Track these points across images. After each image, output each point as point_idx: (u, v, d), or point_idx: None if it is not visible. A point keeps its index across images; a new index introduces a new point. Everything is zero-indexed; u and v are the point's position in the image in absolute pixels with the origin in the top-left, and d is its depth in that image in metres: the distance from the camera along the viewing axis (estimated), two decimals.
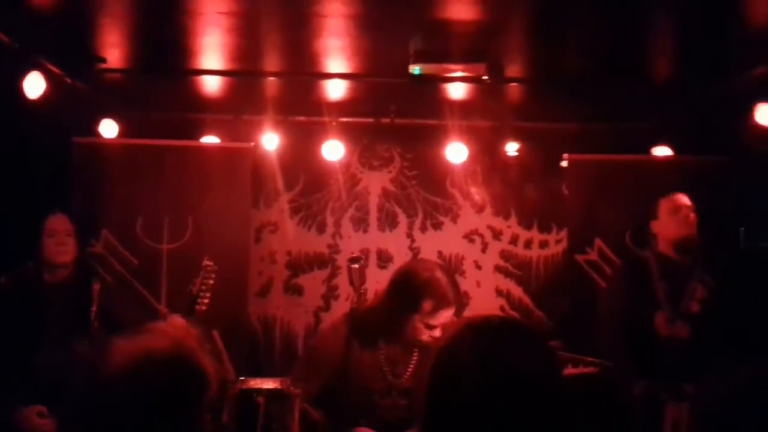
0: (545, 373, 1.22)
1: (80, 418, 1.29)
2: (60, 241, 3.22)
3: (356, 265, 2.53)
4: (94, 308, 3.23)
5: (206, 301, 3.04)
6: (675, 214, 3.36)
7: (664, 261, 3.35)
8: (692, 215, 3.36)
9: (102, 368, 1.29)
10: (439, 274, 2.57)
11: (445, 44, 3.33)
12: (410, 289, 2.57)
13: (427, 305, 2.52)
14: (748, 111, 3.63)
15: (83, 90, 4.04)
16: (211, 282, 3.05)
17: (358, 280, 2.55)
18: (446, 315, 2.52)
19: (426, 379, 1.26)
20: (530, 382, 1.19)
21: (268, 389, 2.24)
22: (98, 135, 4.38)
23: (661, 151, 4.54)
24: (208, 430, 1.31)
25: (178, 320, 2.95)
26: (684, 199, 3.41)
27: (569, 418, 1.21)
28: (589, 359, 3.07)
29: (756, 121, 3.61)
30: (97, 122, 4.37)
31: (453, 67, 3.38)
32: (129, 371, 1.27)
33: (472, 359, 1.20)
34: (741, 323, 3.24)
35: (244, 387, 2.26)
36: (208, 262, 3.10)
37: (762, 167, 4.04)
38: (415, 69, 3.37)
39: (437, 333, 2.51)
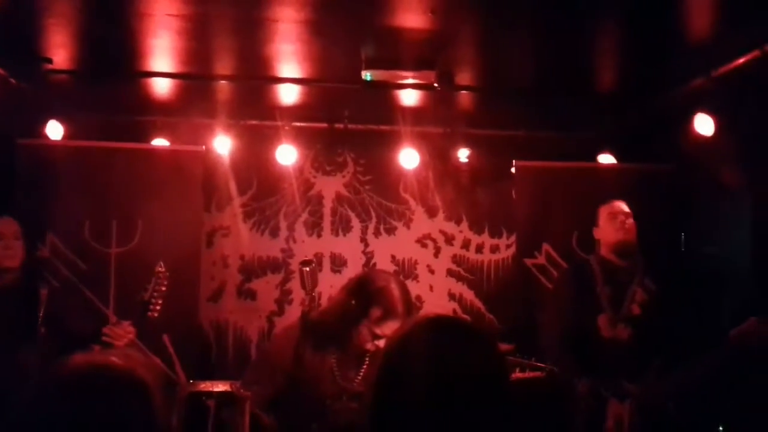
0: (492, 373, 1.24)
1: (24, 428, 1.26)
2: (7, 244, 3.15)
3: (308, 268, 2.54)
4: (41, 314, 3.16)
5: (158, 307, 3.02)
6: (613, 220, 3.48)
7: (607, 266, 3.47)
8: (629, 221, 3.48)
9: (49, 380, 1.27)
10: (393, 285, 2.61)
11: (396, 52, 3.39)
12: (363, 295, 2.60)
13: (375, 312, 2.55)
14: (688, 120, 3.77)
15: (28, 91, 3.95)
16: (164, 288, 3.03)
17: (310, 284, 2.56)
18: (392, 326, 2.54)
19: (375, 374, 1.27)
20: (477, 380, 1.21)
21: (218, 392, 2.23)
22: (44, 137, 4.29)
23: (606, 158, 4.68)
24: None
25: (126, 329, 2.91)
26: (621, 206, 3.53)
27: (515, 417, 1.23)
28: (536, 364, 3.15)
29: (695, 130, 3.76)
30: (42, 124, 4.28)
31: (404, 74, 3.44)
32: (78, 383, 1.25)
33: (421, 355, 1.23)
34: (680, 325, 3.37)
35: (194, 390, 2.25)
36: (160, 269, 3.07)
37: (702, 174, 4.20)
38: (366, 75, 3.41)
39: (382, 344, 2.54)
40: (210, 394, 2.21)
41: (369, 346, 2.60)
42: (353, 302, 2.61)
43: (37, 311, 3.17)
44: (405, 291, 2.64)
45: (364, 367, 2.67)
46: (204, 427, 2.18)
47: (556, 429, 3.17)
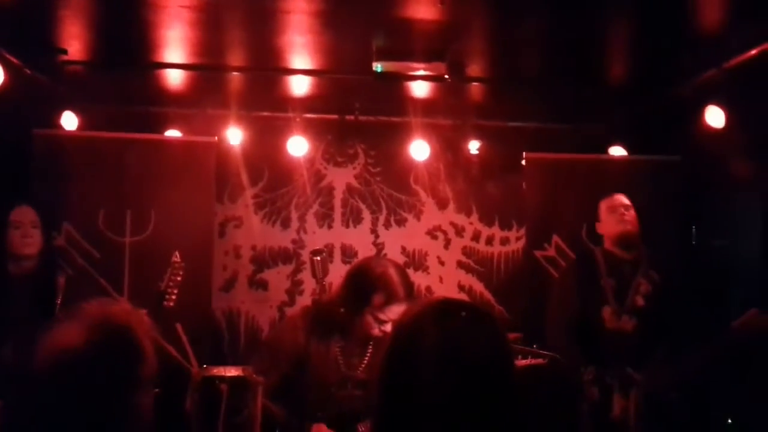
0: (498, 355, 1.25)
1: (15, 411, 1.35)
2: (25, 232, 3.18)
3: (318, 258, 2.58)
4: (59, 301, 3.20)
5: (174, 296, 3.06)
6: (613, 213, 3.50)
7: (611, 258, 3.48)
8: (630, 213, 3.48)
9: (29, 364, 1.33)
10: (391, 270, 2.62)
11: (407, 43, 3.40)
12: (363, 284, 2.61)
13: (377, 299, 2.57)
14: (699, 112, 3.76)
15: (43, 82, 4.00)
16: (179, 278, 3.07)
17: (320, 273, 2.60)
18: (396, 311, 2.55)
19: (382, 357, 1.29)
20: (484, 362, 1.22)
21: (230, 377, 2.27)
22: (59, 127, 4.34)
23: (616, 150, 4.68)
24: (147, 406, 1.35)
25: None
26: (621, 199, 3.54)
27: (519, 401, 1.25)
28: (538, 351, 3.18)
29: (706, 122, 3.75)
30: (57, 114, 4.33)
31: (414, 65, 3.46)
32: (49, 368, 1.31)
33: (428, 338, 1.24)
34: (684, 317, 3.39)
35: (206, 374, 2.29)
36: (176, 259, 3.10)
37: (712, 167, 4.19)
38: (377, 66, 3.43)
39: (388, 328, 2.56)
40: (223, 379, 2.25)
41: (375, 331, 2.62)
42: (354, 291, 2.63)
43: (54, 298, 3.23)
44: (404, 275, 2.66)
45: (368, 354, 2.70)
46: (217, 411, 2.23)
47: (561, 417, 3.20)
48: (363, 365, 2.68)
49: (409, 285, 2.64)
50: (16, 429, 1.32)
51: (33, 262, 3.22)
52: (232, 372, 2.25)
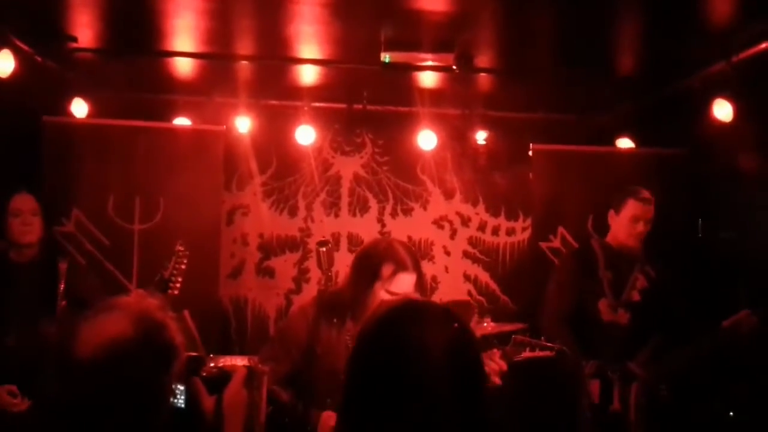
0: (462, 356, 1.23)
1: (51, 401, 1.35)
2: (25, 220, 3.20)
3: (324, 249, 2.60)
4: (61, 287, 3.24)
5: (178, 285, 3.08)
6: (633, 222, 3.44)
7: (610, 251, 3.49)
8: (647, 227, 3.46)
9: (70, 353, 1.33)
10: (396, 244, 2.67)
11: (415, 34, 3.41)
12: (370, 259, 2.63)
13: (386, 270, 2.58)
14: (707, 105, 3.75)
15: (54, 69, 4.02)
16: (183, 267, 3.09)
17: (326, 263, 2.62)
18: (406, 281, 2.56)
19: (347, 365, 1.29)
20: (448, 362, 1.20)
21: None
22: (69, 114, 4.37)
23: (624, 142, 4.67)
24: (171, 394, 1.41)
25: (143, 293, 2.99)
26: (648, 211, 3.47)
27: (488, 399, 1.24)
28: (546, 344, 3.18)
29: (713, 115, 3.74)
30: (67, 101, 4.35)
31: (423, 56, 3.47)
32: (96, 357, 1.31)
33: (392, 340, 1.23)
34: (678, 313, 3.41)
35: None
36: (180, 247, 3.13)
37: (718, 160, 4.18)
38: (385, 57, 3.44)
39: None
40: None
41: None
42: (362, 268, 2.64)
43: (56, 285, 3.26)
44: (409, 248, 2.68)
45: None
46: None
47: (565, 409, 3.22)
48: None
49: (415, 257, 2.65)
50: (55, 418, 1.34)
51: (34, 249, 3.25)
52: (238, 362, 2.28)
